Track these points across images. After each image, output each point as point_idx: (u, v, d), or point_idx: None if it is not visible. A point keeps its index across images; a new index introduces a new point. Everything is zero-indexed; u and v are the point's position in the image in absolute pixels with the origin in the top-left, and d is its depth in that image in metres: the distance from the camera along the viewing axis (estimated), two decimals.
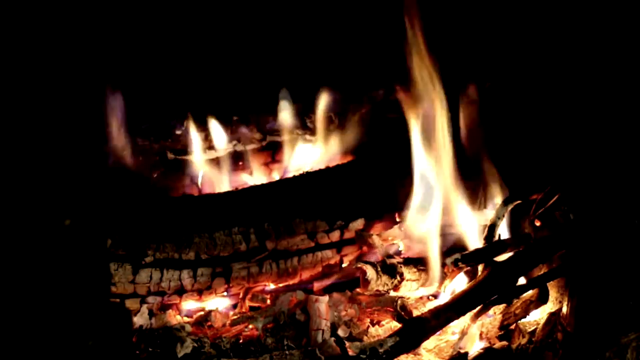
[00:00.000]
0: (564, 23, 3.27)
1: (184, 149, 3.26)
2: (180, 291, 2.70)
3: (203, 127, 3.32)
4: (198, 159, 3.26)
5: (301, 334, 2.51)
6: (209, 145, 3.32)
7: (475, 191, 2.88)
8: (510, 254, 2.64)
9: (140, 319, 2.61)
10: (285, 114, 3.38)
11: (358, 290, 2.68)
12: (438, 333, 2.52)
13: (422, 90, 2.85)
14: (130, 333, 2.52)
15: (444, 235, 2.80)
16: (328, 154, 3.31)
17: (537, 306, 2.51)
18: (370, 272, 2.58)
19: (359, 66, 3.57)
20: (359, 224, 2.89)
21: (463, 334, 2.53)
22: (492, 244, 2.71)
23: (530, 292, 2.52)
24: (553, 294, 2.56)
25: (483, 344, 2.53)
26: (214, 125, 3.33)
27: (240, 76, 3.59)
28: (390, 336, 2.32)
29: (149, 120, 3.28)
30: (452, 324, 2.50)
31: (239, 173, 3.35)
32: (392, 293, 2.67)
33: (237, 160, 3.35)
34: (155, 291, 2.67)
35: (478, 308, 2.50)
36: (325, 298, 2.57)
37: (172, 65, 3.48)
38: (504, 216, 2.77)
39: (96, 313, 2.55)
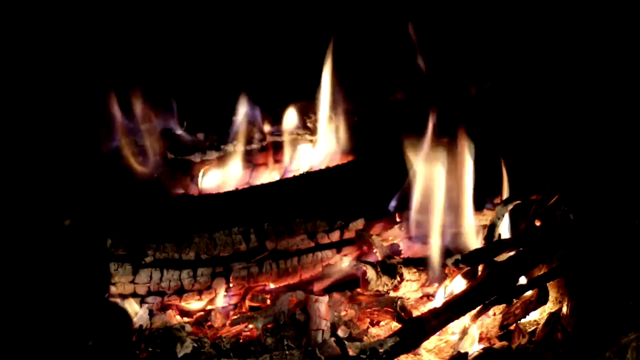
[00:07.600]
0: (562, 24, 3.28)
1: (184, 149, 3.26)
2: (180, 291, 2.70)
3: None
4: (198, 159, 3.25)
5: (301, 334, 2.51)
6: (209, 145, 3.31)
7: (475, 191, 2.88)
8: (510, 254, 2.64)
9: (140, 319, 2.61)
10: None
11: (358, 290, 2.68)
12: (438, 333, 2.52)
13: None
14: (130, 333, 2.53)
15: (444, 235, 2.80)
16: (328, 154, 3.30)
17: (537, 306, 2.51)
18: (370, 272, 2.58)
19: (359, 66, 3.58)
20: (359, 224, 2.89)
21: (463, 334, 2.53)
22: (492, 244, 2.71)
23: (530, 292, 2.52)
24: (553, 294, 2.56)
25: (483, 344, 2.53)
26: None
27: (240, 76, 3.59)
28: (390, 336, 2.32)
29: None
30: (452, 324, 2.50)
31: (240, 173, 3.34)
32: (392, 293, 2.68)
33: None
34: (155, 291, 2.67)
35: (478, 308, 2.50)
36: (325, 298, 2.57)
37: (173, 64, 3.48)
38: (504, 216, 2.77)
39: (96, 313, 2.56)
